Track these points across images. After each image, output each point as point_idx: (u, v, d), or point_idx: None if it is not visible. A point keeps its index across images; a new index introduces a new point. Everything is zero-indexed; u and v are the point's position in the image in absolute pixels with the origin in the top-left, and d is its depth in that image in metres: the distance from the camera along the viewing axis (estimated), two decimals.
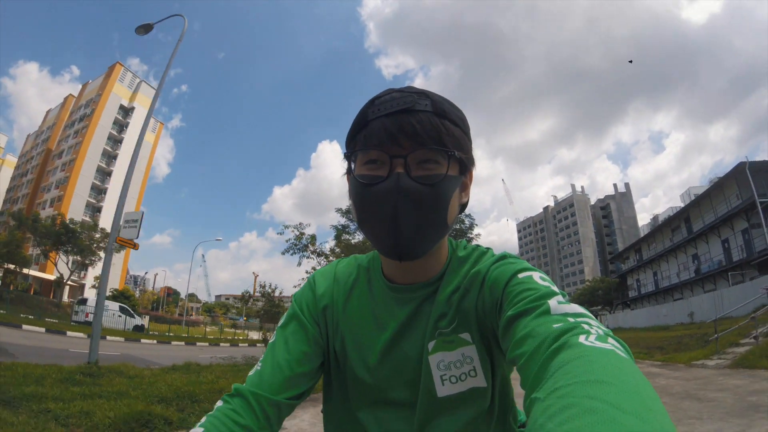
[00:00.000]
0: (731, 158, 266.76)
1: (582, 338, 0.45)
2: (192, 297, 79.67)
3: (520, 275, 0.65)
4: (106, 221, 55.90)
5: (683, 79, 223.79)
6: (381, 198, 0.65)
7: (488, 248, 0.79)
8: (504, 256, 0.73)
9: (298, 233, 13.43)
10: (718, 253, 31.09)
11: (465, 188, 0.74)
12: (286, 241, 13.35)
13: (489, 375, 0.72)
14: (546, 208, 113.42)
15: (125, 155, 62.42)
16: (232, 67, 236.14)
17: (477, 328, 0.71)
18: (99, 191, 60.75)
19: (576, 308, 0.54)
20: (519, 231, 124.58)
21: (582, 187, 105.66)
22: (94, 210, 59.51)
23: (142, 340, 20.12)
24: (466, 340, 0.72)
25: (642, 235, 58.01)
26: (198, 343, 23.08)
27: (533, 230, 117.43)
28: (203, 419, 0.67)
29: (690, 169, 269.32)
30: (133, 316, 27.94)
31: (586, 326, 0.48)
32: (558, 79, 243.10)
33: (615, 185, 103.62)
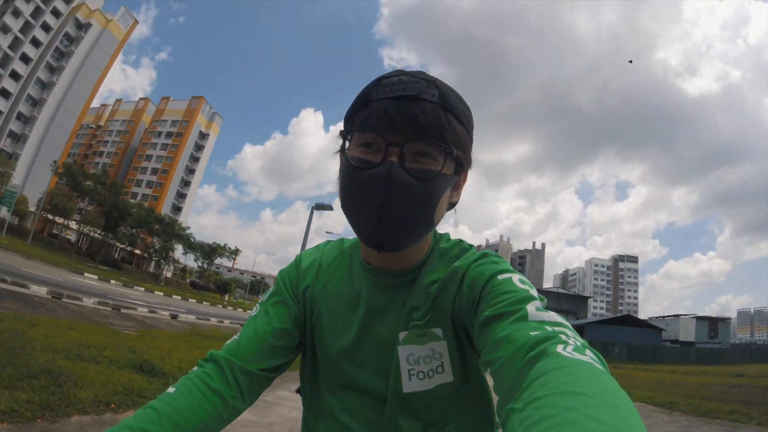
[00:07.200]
0: (685, 222, 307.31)
1: (560, 348, 0.45)
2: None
3: (500, 276, 0.63)
4: (183, 217, 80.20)
5: (658, 139, 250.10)
6: (369, 184, 0.62)
7: (471, 245, 0.77)
8: (486, 254, 0.71)
9: None
10: None
11: (457, 188, 0.72)
12: None
13: (458, 372, 0.71)
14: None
15: (201, 167, 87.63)
16: (235, 8, 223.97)
17: (450, 325, 0.70)
18: (180, 195, 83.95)
19: (554, 316, 0.53)
20: None
21: (508, 238, 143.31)
22: (175, 209, 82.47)
23: None
24: (438, 335, 0.70)
25: (543, 286, 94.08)
26: None
27: None
28: (178, 381, 0.68)
29: (645, 222, 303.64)
30: None
31: (563, 336, 0.48)
32: (546, 111, 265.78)
33: (534, 242, 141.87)
